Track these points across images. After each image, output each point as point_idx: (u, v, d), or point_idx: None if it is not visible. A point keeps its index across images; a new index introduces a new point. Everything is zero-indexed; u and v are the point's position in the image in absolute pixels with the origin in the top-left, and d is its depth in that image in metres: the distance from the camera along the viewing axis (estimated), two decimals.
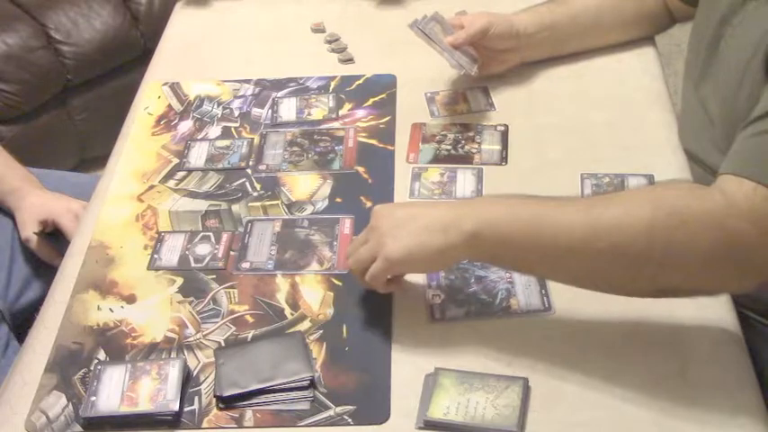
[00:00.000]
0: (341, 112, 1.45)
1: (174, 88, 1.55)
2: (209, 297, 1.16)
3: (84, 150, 2.72)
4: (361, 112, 1.45)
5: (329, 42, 1.62)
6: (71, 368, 1.08)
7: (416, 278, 1.15)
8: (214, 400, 1.03)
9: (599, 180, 1.26)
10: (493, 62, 1.44)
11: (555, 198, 1.04)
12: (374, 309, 1.12)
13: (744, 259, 0.94)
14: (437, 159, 1.34)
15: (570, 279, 1.03)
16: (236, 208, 1.29)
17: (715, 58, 1.19)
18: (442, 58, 1.40)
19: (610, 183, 1.26)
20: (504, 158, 1.33)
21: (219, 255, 1.22)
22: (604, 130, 1.36)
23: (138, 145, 1.43)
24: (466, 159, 1.33)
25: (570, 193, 1.25)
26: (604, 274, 0.99)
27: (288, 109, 1.47)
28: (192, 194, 1.33)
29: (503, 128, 1.38)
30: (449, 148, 1.36)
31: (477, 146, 1.35)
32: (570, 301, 1.10)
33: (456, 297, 1.12)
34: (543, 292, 1.11)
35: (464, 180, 1.30)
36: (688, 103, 1.31)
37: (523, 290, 1.12)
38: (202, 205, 1.30)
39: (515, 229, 1.00)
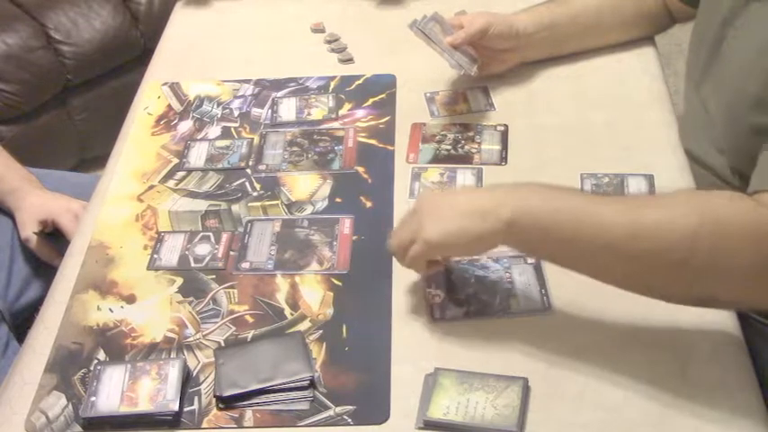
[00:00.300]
0: (341, 112, 1.45)
1: (174, 88, 1.55)
2: (208, 297, 1.16)
3: (84, 150, 2.72)
4: (360, 112, 1.45)
5: (329, 42, 1.62)
6: (71, 368, 1.08)
7: (412, 286, 1.15)
8: (214, 400, 1.03)
9: (599, 180, 1.26)
10: (493, 62, 1.44)
11: (596, 194, 1.03)
12: (374, 309, 1.12)
13: None
14: (437, 159, 1.34)
15: (607, 277, 1.01)
16: (235, 208, 1.29)
17: (717, 59, 1.19)
18: (442, 59, 1.39)
19: (609, 183, 1.26)
20: (503, 158, 1.33)
21: (219, 255, 1.22)
22: (604, 129, 1.36)
23: (137, 145, 1.43)
24: (466, 159, 1.33)
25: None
26: (642, 277, 0.99)
27: (287, 109, 1.47)
28: (192, 194, 1.33)
29: (503, 128, 1.38)
30: (449, 147, 1.36)
31: (477, 146, 1.35)
32: (570, 301, 1.10)
33: (456, 297, 1.12)
34: (543, 291, 1.11)
35: (464, 180, 1.30)
36: (689, 104, 1.30)
37: (523, 290, 1.12)
38: (202, 205, 1.30)
39: (554, 221, 0.99)
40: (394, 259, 1.18)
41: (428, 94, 1.46)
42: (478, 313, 1.10)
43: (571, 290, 1.11)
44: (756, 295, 0.98)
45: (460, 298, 1.12)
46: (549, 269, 1.13)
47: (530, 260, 1.15)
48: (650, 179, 1.25)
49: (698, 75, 1.25)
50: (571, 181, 1.26)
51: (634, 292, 1.01)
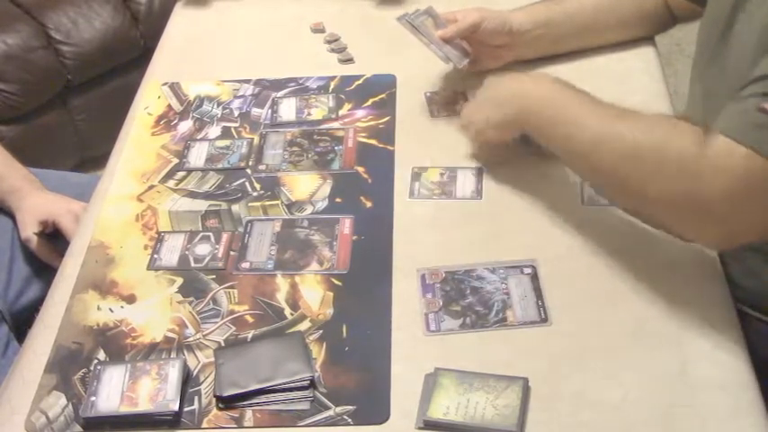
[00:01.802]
0: (341, 112, 1.45)
1: (174, 88, 1.55)
2: (209, 297, 1.16)
3: (84, 150, 2.72)
4: (360, 112, 1.45)
5: (329, 42, 1.62)
6: (71, 368, 1.08)
7: (412, 287, 1.15)
8: (214, 399, 1.03)
9: None
10: (486, 58, 1.44)
11: (592, 100, 1.15)
12: (374, 309, 1.12)
13: (705, 211, 1.01)
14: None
15: (584, 176, 1.22)
16: (235, 208, 1.29)
17: (725, 43, 1.19)
18: (436, 55, 1.40)
19: None
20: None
21: (219, 255, 1.22)
22: None
23: (137, 145, 1.43)
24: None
25: (570, 193, 1.25)
26: (603, 180, 1.14)
27: (287, 109, 1.47)
28: (192, 194, 1.33)
29: None
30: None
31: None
32: (568, 309, 1.10)
33: (451, 308, 1.11)
34: (540, 303, 1.11)
35: (464, 180, 1.30)
36: (693, 96, 1.31)
37: (519, 301, 1.11)
38: (202, 205, 1.30)
39: (545, 117, 1.17)
40: (394, 259, 1.19)
41: (428, 94, 1.46)
42: (474, 326, 1.09)
43: (568, 299, 1.11)
44: (670, 220, 1.08)
45: (456, 309, 1.11)
46: (546, 280, 1.13)
47: (526, 271, 1.14)
48: None
49: (705, 61, 1.25)
50: (571, 180, 1.26)
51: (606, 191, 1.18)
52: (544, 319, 1.09)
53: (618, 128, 1.08)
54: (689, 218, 1.04)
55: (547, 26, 1.44)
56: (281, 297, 1.15)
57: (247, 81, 1.54)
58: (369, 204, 1.28)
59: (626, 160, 1.06)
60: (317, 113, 1.46)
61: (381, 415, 1.00)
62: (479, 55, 1.42)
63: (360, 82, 1.51)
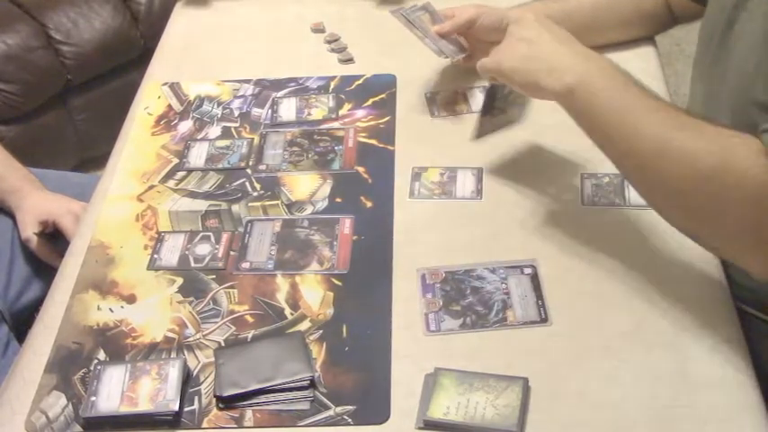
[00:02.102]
0: (341, 112, 1.45)
1: (174, 88, 1.55)
2: (209, 297, 1.16)
3: (84, 150, 2.72)
4: (360, 112, 1.45)
5: (329, 42, 1.62)
6: (71, 368, 1.08)
7: (412, 287, 1.15)
8: (214, 400, 1.03)
9: (599, 180, 1.26)
10: (482, 54, 1.42)
11: (651, 97, 1.06)
12: (374, 309, 1.12)
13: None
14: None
15: (631, 179, 1.10)
16: (236, 208, 1.29)
17: (727, 43, 1.19)
18: (443, 58, 1.40)
19: (610, 182, 1.26)
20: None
21: (219, 255, 1.22)
22: None
23: (138, 145, 1.43)
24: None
25: (570, 193, 1.25)
26: (657, 191, 1.05)
27: (288, 109, 1.47)
28: (192, 194, 1.33)
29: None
30: None
31: None
32: (568, 309, 1.10)
33: (451, 308, 1.11)
34: (540, 303, 1.11)
35: (464, 180, 1.30)
36: (694, 96, 1.31)
37: (519, 301, 1.11)
38: (202, 205, 1.30)
39: (603, 110, 1.05)
40: (394, 259, 1.19)
41: (428, 94, 1.46)
42: (474, 326, 1.09)
43: (568, 299, 1.11)
44: (735, 250, 1.02)
45: (457, 309, 1.11)
46: (546, 280, 1.13)
47: (526, 271, 1.14)
48: None
49: (706, 61, 1.25)
50: (572, 181, 1.26)
51: (651, 203, 1.07)
52: (544, 319, 1.09)
53: (677, 142, 1.00)
54: (757, 250, 0.98)
55: None
56: (281, 297, 1.15)
57: (247, 81, 1.54)
58: (369, 204, 1.28)
59: (686, 181, 0.99)
60: (317, 113, 1.46)
61: (381, 415, 1.00)
62: (475, 51, 1.42)
63: (360, 82, 1.52)
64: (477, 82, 1.46)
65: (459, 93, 1.46)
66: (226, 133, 1.44)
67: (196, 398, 1.04)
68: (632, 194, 1.23)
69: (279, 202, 1.30)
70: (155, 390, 1.03)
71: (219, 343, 1.10)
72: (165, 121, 1.48)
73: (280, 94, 1.50)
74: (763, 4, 1.10)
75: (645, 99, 1.05)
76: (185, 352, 1.09)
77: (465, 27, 1.40)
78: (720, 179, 0.97)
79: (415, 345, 1.08)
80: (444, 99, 1.45)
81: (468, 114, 1.42)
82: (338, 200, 1.29)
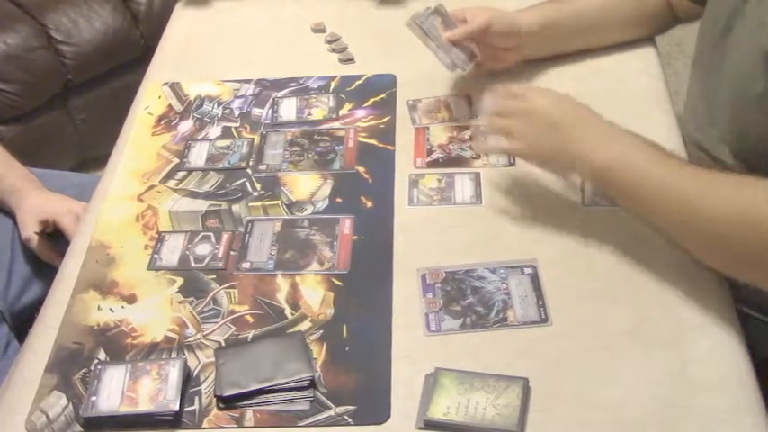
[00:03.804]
0: (341, 112, 1.45)
1: (174, 88, 1.55)
2: (209, 297, 1.16)
3: (84, 150, 2.72)
4: (361, 113, 1.45)
5: (329, 42, 1.62)
6: (71, 368, 1.08)
7: (412, 287, 1.15)
8: (214, 399, 1.03)
9: None
10: (491, 60, 1.43)
11: (679, 163, 1.09)
12: (374, 309, 1.12)
13: None
14: (445, 162, 1.33)
15: (679, 242, 1.09)
16: (236, 208, 1.29)
17: (725, 45, 1.20)
18: (449, 67, 1.38)
19: None
20: (511, 159, 1.31)
21: (220, 255, 1.22)
22: None
23: (138, 145, 1.43)
24: (469, 162, 1.33)
25: (570, 193, 1.25)
26: (692, 246, 1.08)
27: (288, 109, 1.47)
28: (193, 194, 1.33)
29: None
30: (454, 148, 1.35)
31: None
32: (568, 309, 1.10)
33: (452, 308, 1.11)
34: (540, 303, 1.11)
35: (462, 185, 1.29)
36: (694, 95, 1.31)
37: (520, 301, 1.11)
38: (202, 205, 1.30)
39: (637, 188, 1.08)
40: (394, 259, 1.18)
41: (410, 102, 1.45)
42: (475, 326, 1.09)
43: (569, 299, 1.11)
44: None
45: (457, 309, 1.11)
46: (546, 279, 1.13)
47: (526, 271, 1.14)
48: None
49: (704, 61, 1.25)
50: (572, 182, 1.26)
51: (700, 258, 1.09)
52: (544, 319, 1.09)
53: (707, 203, 1.03)
54: None
55: (555, 27, 1.43)
56: (281, 297, 1.15)
57: (248, 81, 1.54)
58: (369, 204, 1.28)
59: (723, 237, 1.03)
60: (317, 113, 1.46)
61: (381, 415, 1.00)
62: (484, 57, 1.41)
63: (360, 82, 1.52)
64: (462, 90, 1.45)
65: (441, 101, 1.45)
66: (226, 133, 1.44)
67: (196, 398, 1.04)
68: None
69: (279, 202, 1.30)
70: (155, 390, 1.03)
71: (220, 343, 1.10)
72: (166, 121, 1.48)
73: (280, 94, 1.51)
74: (760, 5, 1.10)
75: (676, 168, 1.07)
76: (186, 352, 1.09)
77: (478, 33, 1.37)
78: (753, 230, 1.00)
79: (416, 345, 1.08)
80: (426, 107, 1.44)
81: (451, 122, 1.40)
82: (338, 200, 1.29)
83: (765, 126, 1.15)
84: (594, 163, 1.10)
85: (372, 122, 1.43)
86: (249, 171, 1.36)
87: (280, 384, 1.03)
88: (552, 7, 1.44)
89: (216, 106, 1.50)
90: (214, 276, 1.19)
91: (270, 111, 1.47)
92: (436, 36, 1.37)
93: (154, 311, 1.15)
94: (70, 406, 1.04)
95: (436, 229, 1.23)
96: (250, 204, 1.30)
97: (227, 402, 1.03)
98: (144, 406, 1.02)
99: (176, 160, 1.39)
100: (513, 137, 1.18)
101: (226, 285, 1.18)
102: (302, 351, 1.06)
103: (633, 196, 1.09)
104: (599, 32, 1.47)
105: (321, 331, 1.10)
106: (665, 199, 1.05)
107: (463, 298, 1.12)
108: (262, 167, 1.36)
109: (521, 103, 1.18)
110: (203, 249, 1.23)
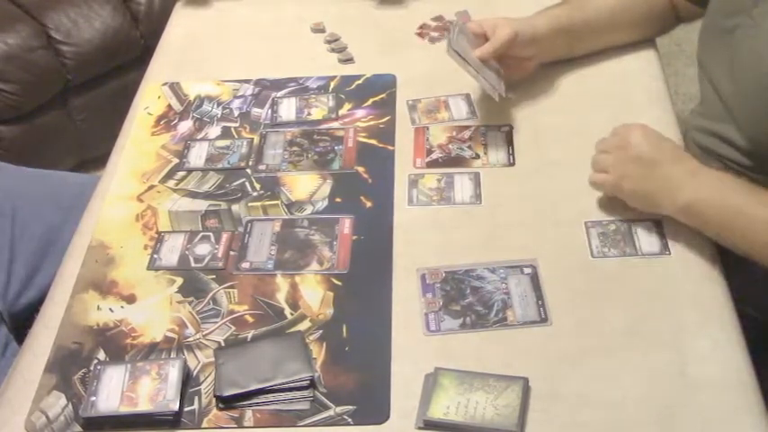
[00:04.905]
0: (340, 112, 1.45)
1: (174, 88, 1.55)
2: (208, 297, 1.16)
3: (84, 150, 2.72)
4: (360, 112, 1.45)
5: (329, 42, 1.62)
6: (71, 368, 1.08)
7: (412, 287, 1.15)
8: (214, 399, 1.03)
9: None
10: (513, 70, 1.40)
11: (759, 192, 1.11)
12: (374, 309, 1.12)
13: None
14: (445, 162, 1.33)
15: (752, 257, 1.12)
16: (235, 208, 1.29)
17: (730, 44, 1.19)
18: (443, 58, 1.38)
19: None
20: (511, 158, 1.32)
21: (219, 255, 1.22)
22: (605, 130, 1.36)
23: (137, 145, 1.43)
24: (469, 162, 1.33)
25: (571, 193, 1.25)
26: None
27: (287, 109, 1.47)
28: (192, 194, 1.33)
29: (507, 128, 1.37)
30: (453, 148, 1.35)
31: (483, 147, 1.35)
32: (568, 309, 1.10)
33: (451, 308, 1.11)
34: (540, 303, 1.11)
35: (462, 185, 1.29)
36: (703, 92, 1.32)
37: (519, 301, 1.11)
38: (202, 205, 1.30)
39: (722, 219, 1.11)
40: (393, 259, 1.18)
41: (410, 102, 1.45)
42: (474, 325, 1.09)
43: (569, 299, 1.11)
44: None
45: (456, 309, 1.11)
46: (546, 279, 1.13)
47: (526, 271, 1.14)
48: None
49: (706, 60, 1.25)
50: (572, 182, 1.26)
51: None
52: (544, 319, 1.09)
53: None
54: None
55: (568, 32, 1.41)
56: (281, 297, 1.15)
57: (247, 81, 1.54)
58: (369, 204, 1.28)
59: None
60: (316, 113, 1.46)
61: (381, 415, 1.00)
62: (506, 68, 1.38)
63: (360, 82, 1.51)
64: (460, 89, 1.44)
65: (441, 101, 1.45)
66: (226, 133, 1.44)
67: (196, 398, 1.04)
68: None
69: (279, 202, 1.30)
70: (155, 390, 1.03)
71: (219, 343, 1.10)
72: (165, 121, 1.48)
73: (280, 94, 1.50)
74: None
75: (757, 195, 1.10)
76: (185, 352, 1.09)
77: (505, 48, 1.33)
78: None
79: (415, 345, 1.08)
80: (426, 107, 1.44)
81: (451, 122, 1.40)
82: (338, 200, 1.29)
83: None
84: (677, 202, 1.13)
85: (372, 122, 1.43)
86: (249, 171, 1.36)
87: (279, 384, 1.03)
88: (563, 12, 1.42)
89: (215, 106, 1.50)
90: (214, 276, 1.19)
91: (269, 111, 1.47)
92: (472, 59, 1.31)
93: (153, 311, 1.15)
94: (70, 406, 1.04)
95: (436, 229, 1.23)
96: (249, 204, 1.30)
97: (226, 402, 1.03)
98: (143, 406, 1.02)
99: (176, 160, 1.39)
100: (607, 171, 1.20)
101: (225, 285, 1.18)
102: (302, 351, 1.06)
103: (719, 230, 1.13)
104: (608, 35, 1.46)
105: (321, 331, 1.10)
106: (750, 229, 1.09)
107: (463, 298, 1.12)
108: (261, 167, 1.36)
109: (616, 139, 1.20)
110: (203, 249, 1.23)
